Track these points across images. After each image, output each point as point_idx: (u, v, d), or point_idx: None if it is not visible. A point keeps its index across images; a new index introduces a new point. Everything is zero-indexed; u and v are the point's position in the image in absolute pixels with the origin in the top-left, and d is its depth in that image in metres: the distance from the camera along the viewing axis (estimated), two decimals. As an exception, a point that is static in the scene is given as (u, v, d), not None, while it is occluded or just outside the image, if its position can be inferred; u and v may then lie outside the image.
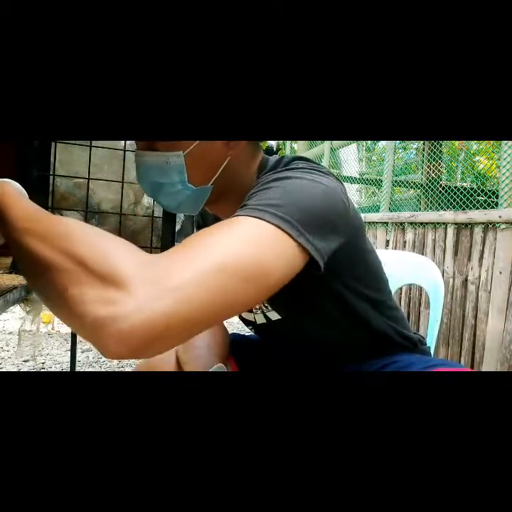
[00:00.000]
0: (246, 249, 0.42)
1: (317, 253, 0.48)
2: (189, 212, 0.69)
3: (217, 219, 0.71)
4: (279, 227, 0.45)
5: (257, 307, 0.70)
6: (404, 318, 0.75)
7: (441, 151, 2.78)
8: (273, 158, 0.67)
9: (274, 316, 0.68)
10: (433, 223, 1.98)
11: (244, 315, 0.77)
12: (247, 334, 0.94)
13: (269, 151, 0.73)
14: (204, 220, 0.81)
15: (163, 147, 0.59)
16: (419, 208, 2.67)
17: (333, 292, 0.63)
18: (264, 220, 0.45)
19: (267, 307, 0.68)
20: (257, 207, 0.47)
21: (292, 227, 0.46)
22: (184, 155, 0.58)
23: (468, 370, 0.68)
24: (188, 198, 0.62)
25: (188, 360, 0.71)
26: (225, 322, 0.85)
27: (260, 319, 0.72)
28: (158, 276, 0.36)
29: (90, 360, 2.67)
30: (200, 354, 0.71)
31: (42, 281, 0.38)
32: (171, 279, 0.36)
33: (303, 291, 0.60)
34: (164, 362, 0.78)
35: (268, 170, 0.63)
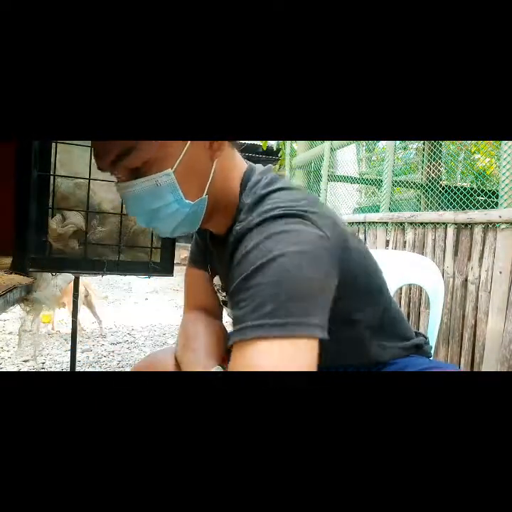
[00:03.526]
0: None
1: (322, 332, 0.49)
2: (188, 230, 0.66)
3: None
4: (292, 337, 0.47)
5: None
6: (403, 327, 0.74)
7: (441, 151, 2.78)
8: (255, 179, 0.64)
9: None
10: (433, 223, 1.98)
11: (230, 314, 0.77)
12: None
13: (271, 152, 0.73)
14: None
15: (149, 171, 0.55)
16: (419, 208, 2.67)
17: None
18: (282, 337, 0.47)
19: None
20: (254, 323, 0.48)
21: (292, 328, 0.47)
22: (173, 171, 0.56)
23: (463, 371, 0.68)
24: (187, 216, 0.60)
25: (186, 360, 0.71)
26: (224, 322, 0.85)
27: None
28: None
29: (90, 360, 2.67)
30: (199, 356, 0.71)
31: None
32: None
33: None
34: (162, 362, 0.78)
35: (250, 202, 0.60)
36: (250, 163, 0.69)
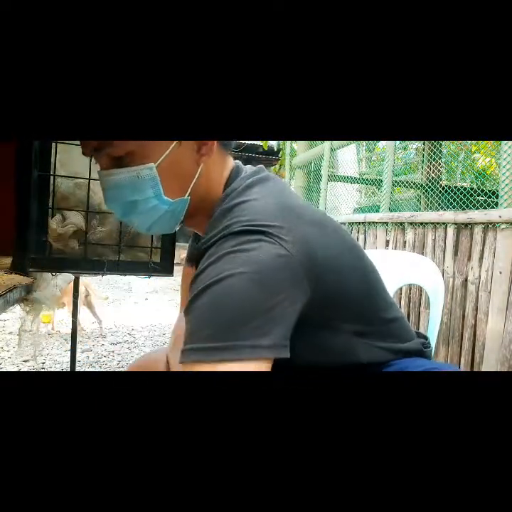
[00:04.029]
0: None
1: (275, 351, 0.48)
2: (165, 231, 0.64)
3: None
4: (227, 361, 0.45)
5: None
6: (401, 328, 0.73)
7: (441, 151, 2.78)
8: (236, 184, 0.62)
9: None
10: (433, 223, 1.98)
11: None
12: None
13: (271, 152, 0.73)
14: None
15: (132, 162, 0.55)
16: (419, 208, 2.67)
17: (305, 339, 0.59)
18: (203, 361, 0.46)
19: None
20: (193, 347, 0.47)
21: (237, 351, 0.46)
22: (156, 167, 0.55)
23: (463, 371, 0.67)
24: (165, 214, 0.59)
25: (174, 359, 0.71)
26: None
27: None
28: None
29: (90, 360, 2.67)
30: None
31: None
32: None
33: None
34: (156, 363, 0.78)
35: (223, 208, 0.58)
36: (239, 164, 0.67)
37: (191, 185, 0.59)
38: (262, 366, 0.47)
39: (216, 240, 0.54)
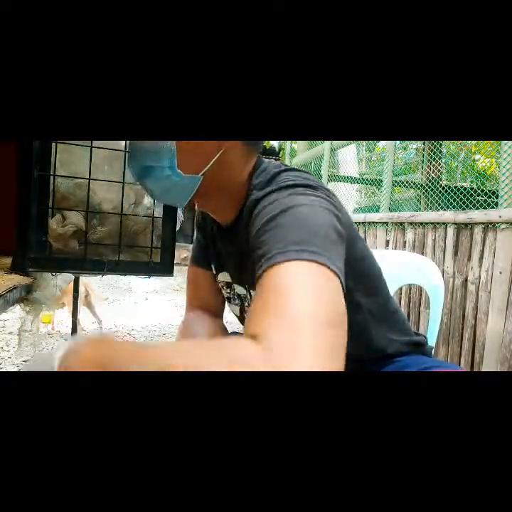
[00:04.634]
0: (325, 300, 0.44)
1: (342, 275, 0.49)
2: (176, 203, 0.68)
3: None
4: (323, 265, 0.46)
5: (247, 303, 0.71)
6: (403, 322, 0.75)
7: (441, 151, 2.78)
8: (265, 165, 0.66)
9: None
10: (433, 223, 1.98)
11: (235, 311, 0.77)
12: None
13: (272, 152, 0.74)
14: (205, 220, 0.81)
15: None
16: (419, 208, 2.67)
17: None
18: (313, 261, 0.46)
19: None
20: (294, 248, 0.47)
21: (327, 259, 0.46)
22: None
23: (465, 370, 0.68)
24: (175, 186, 0.61)
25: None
26: (224, 322, 0.85)
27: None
28: (281, 359, 0.39)
29: (90, 360, 2.67)
30: None
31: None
32: (294, 360, 0.39)
33: None
34: None
35: (262, 181, 0.62)
36: (262, 159, 0.70)
37: (207, 167, 0.61)
38: (334, 280, 0.47)
39: (269, 191, 0.57)
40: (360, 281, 0.66)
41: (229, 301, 0.81)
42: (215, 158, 0.61)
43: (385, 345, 0.70)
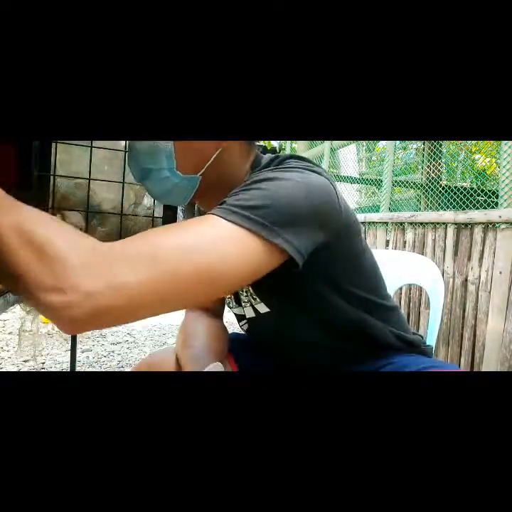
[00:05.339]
0: (206, 251, 0.44)
1: (294, 250, 0.50)
2: (176, 203, 0.68)
3: None
4: (248, 230, 0.47)
5: (246, 300, 0.71)
6: (402, 320, 0.75)
7: (441, 151, 2.78)
8: (267, 156, 0.67)
9: (262, 308, 0.69)
10: (433, 223, 1.98)
11: (235, 310, 0.77)
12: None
13: (273, 152, 0.73)
14: None
15: None
16: (419, 208, 2.67)
17: (317, 291, 0.63)
18: (234, 222, 0.47)
19: (255, 299, 0.68)
20: (231, 208, 0.48)
21: (264, 228, 0.47)
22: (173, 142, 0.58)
23: (463, 370, 0.68)
24: (175, 187, 0.61)
25: (185, 357, 0.71)
26: (225, 322, 0.85)
27: (249, 313, 0.72)
28: (106, 270, 0.38)
29: (90, 360, 2.67)
30: (198, 354, 0.71)
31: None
32: (118, 277, 0.38)
33: (285, 287, 0.62)
34: (163, 362, 0.78)
35: (261, 167, 0.63)
36: (260, 155, 0.70)
37: (206, 166, 0.61)
38: (275, 259, 0.49)
39: (265, 171, 0.58)
40: (359, 278, 0.66)
41: (228, 303, 0.80)
42: (214, 157, 0.61)
43: (383, 343, 0.70)
